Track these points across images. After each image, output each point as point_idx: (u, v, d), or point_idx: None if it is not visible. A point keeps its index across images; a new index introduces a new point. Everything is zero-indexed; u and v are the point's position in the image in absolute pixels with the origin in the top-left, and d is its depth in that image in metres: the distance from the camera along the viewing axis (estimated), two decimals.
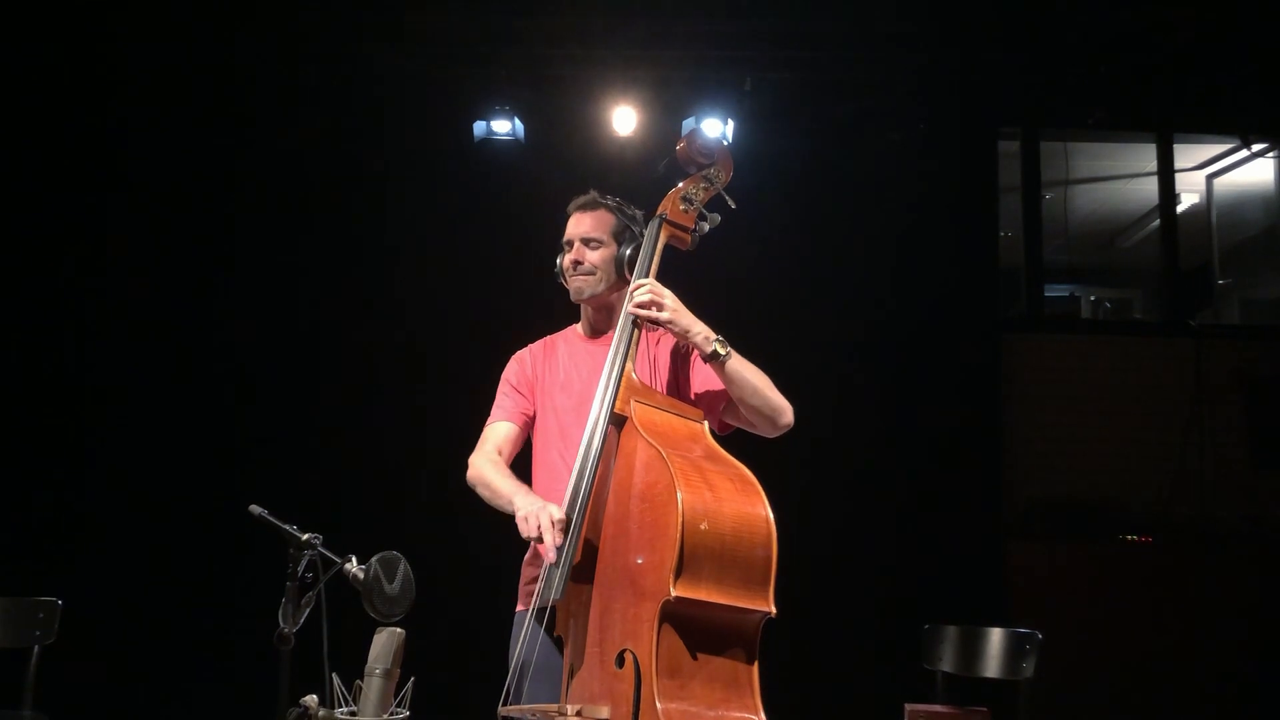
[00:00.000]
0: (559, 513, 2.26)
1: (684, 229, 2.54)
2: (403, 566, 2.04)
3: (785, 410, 2.47)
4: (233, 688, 4.40)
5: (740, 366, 2.43)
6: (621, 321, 2.45)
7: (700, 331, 2.43)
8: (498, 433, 2.64)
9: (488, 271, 5.29)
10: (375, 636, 2.02)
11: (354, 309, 5.34)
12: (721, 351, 2.40)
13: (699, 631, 2.04)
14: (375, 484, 5.07)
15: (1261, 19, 5.04)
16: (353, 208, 5.42)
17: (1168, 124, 6.08)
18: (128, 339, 5.25)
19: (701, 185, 2.56)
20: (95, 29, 5.11)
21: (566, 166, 5.16)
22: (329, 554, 2.05)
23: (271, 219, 5.40)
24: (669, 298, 2.43)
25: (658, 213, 2.55)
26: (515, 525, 2.33)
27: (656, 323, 2.42)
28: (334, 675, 1.98)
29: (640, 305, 2.42)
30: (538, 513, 2.26)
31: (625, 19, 5.14)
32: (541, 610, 2.29)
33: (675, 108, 5.37)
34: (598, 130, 5.44)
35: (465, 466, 2.59)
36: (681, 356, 2.62)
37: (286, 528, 2.05)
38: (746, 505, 2.11)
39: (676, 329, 2.43)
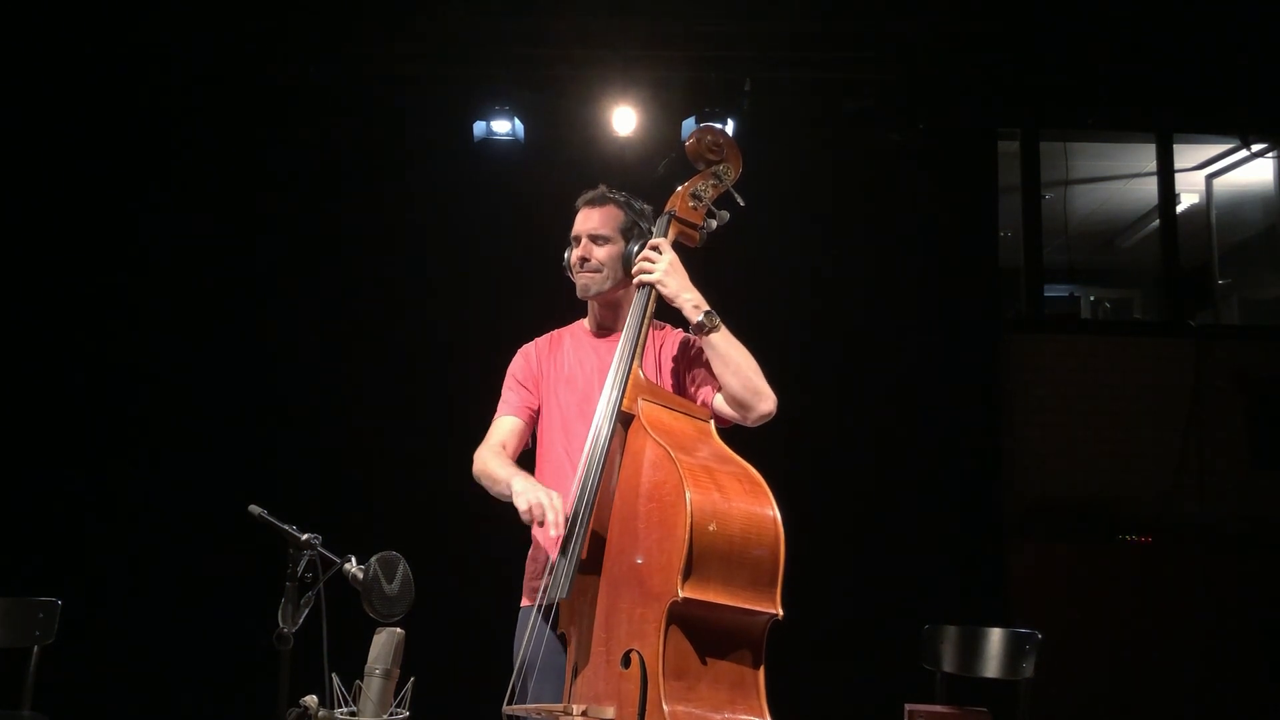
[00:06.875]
0: (559, 499, 2.24)
1: (692, 226, 2.50)
2: (402, 567, 2.04)
3: (767, 396, 2.39)
4: (233, 688, 4.41)
5: (726, 341, 2.39)
6: (630, 317, 2.42)
7: (690, 299, 2.39)
8: (502, 427, 2.62)
9: (487, 272, 5.29)
10: (375, 636, 2.02)
11: (354, 308, 5.34)
12: (708, 323, 2.37)
13: (706, 633, 2.03)
14: (375, 483, 5.06)
15: (1261, 19, 5.04)
16: (353, 207, 5.41)
17: (1167, 124, 6.08)
18: (128, 340, 5.25)
19: (711, 182, 2.52)
20: (118, 33, 5.14)
21: (566, 167, 5.14)
22: (329, 554, 2.05)
23: (269, 220, 5.39)
24: (665, 259, 2.41)
25: (666, 209, 2.52)
26: (517, 522, 2.32)
27: (647, 282, 2.41)
28: (334, 675, 1.97)
29: (638, 265, 2.43)
30: (539, 496, 2.24)
31: (625, 19, 5.14)
32: (546, 608, 2.28)
33: (675, 108, 5.36)
34: (598, 130, 5.44)
35: (466, 464, 2.58)
36: (685, 352, 2.59)
37: (286, 528, 2.05)
38: (755, 506, 2.10)
39: (667, 290, 2.40)
